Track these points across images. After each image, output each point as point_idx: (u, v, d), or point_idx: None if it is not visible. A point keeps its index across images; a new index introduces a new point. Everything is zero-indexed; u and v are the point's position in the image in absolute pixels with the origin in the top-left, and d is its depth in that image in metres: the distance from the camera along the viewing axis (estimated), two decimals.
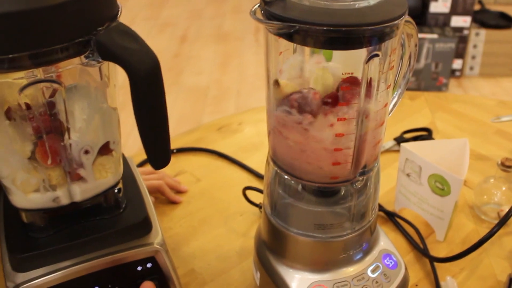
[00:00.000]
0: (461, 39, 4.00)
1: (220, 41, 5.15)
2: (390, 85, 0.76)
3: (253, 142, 1.48)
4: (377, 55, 0.69)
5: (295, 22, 0.65)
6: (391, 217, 1.18)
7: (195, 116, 3.76)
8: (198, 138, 1.49)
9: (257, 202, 1.21)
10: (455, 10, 3.91)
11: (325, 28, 0.64)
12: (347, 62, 0.76)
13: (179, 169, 1.36)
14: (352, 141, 0.75)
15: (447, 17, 3.93)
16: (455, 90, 4.06)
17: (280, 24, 0.67)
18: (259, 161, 1.39)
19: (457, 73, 4.20)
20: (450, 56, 3.86)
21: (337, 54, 0.76)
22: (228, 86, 4.26)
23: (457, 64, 4.13)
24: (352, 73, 0.71)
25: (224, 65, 4.64)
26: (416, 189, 1.11)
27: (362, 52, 0.70)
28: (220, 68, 4.59)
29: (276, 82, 0.77)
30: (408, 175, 1.12)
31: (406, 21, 0.74)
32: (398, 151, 1.37)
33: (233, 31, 5.37)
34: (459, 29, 3.97)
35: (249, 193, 1.21)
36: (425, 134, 1.46)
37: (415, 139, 1.43)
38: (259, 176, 1.33)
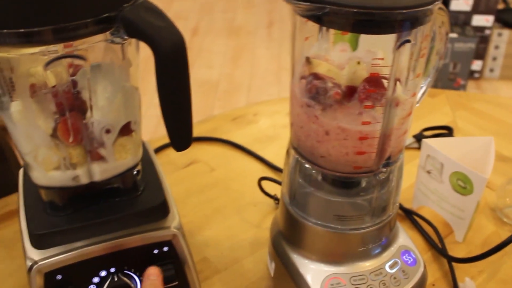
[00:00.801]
0: (482, 39, 3.95)
1: (232, 35, 5.14)
2: (419, 73, 0.74)
3: (268, 133, 1.46)
4: (408, 41, 0.67)
5: (325, 3, 0.63)
6: (409, 215, 1.16)
7: (205, 110, 3.76)
8: (213, 127, 1.48)
9: (272, 193, 1.19)
10: (477, 8, 3.86)
11: (355, 10, 0.62)
12: (373, 49, 0.75)
13: (193, 158, 1.35)
14: (378, 130, 0.73)
15: (468, 15, 3.88)
16: (473, 92, 4.03)
17: (309, 5, 0.65)
18: (273, 152, 1.37)
19: (476, 75, 4.15)
20: (470, 57, 3.81)
21: (363, 41, 0.74)
22: (239, 81, 4.25)
23: (476, 65, 4.09)
24: (382, 59, 0.69)
25: (235, 59, 4.62)
26: (437, 186, 1.09)
27: (390, 40, 0.68)
28: (231, 62, 4.58)
29: (308, 60, 0.75)
30: (428, 172, 1.10)
31: (439, 8, 0.72)
32: (417, 148, 1.36)
33: (245, 25, 5.36)
34: (481, 29, 3.92)
35: (264, 184, 1.20)
36: (445, 132, 1.44)
37: (435, 137, 1.41)
38: (274, 167, 1.32)
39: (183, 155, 1.35)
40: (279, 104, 1.62)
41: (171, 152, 1.36)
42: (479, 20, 3.90)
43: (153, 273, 0.79)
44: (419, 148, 1.35)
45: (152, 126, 3.29)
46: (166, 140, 1.33)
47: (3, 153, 1.36)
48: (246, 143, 1.40)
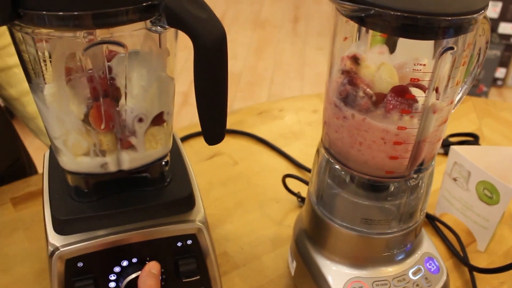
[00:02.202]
0: (508, 47, 3.91)
1: (257, 27, 5.13)
2: (458, 81, 0.73)
3: (293, 130, 1.45)
4: (452, 48, 0.66)
5: (371, 5, 0.62)
6: (431, 221, 1.14)
7: None
8: (238, 121, 1.47)
9: (295, 191, 1.19)
10: (504, 16, 3.83)
11: (405, 14, 0.61)
12: (411, 54, 0.74)
13: (216, 150, 1.34)
14: (414, 136, 0.72)
15: (494, 22, 3.85)
16: (495, 99, 3.99)
17: (354, 5, 0.64)
18: (298, 149, 1.36)
19: (499, 82, 4.11)
20: (494, 64, 3.78)
21: (400, 45, 0.73)
22: (261, 74, 4.24)
23: (500, 72, 4.05)
24: (424, 65, 0.68)
25: (259, 52, 4.62)
26: (462, 194, 1.08)
27: (427, 46, 0.68)
28: (255, 54, 4.57)
29: (356, 60, 0.74)
30: (454, 179, 1.09)
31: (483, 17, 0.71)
32: (442, 154, 1.34)
33: (271, 19, 5.35)
34: (507, 37, 3.89)
35: (287, 181, 1.19)
36: (471, 140, 1.42)
37: (460, 143, 1.39)
38: (298, 165, 1.31)
39: (206, 147, 1.33)
40: (305, 100, 1.61)
41: (194, 142, 1.35)
42: (505, 28, 3.87)
43: (155, 267, 0.78)
44: (444, 154, 1.34)
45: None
46: (190, 130, 1.34)
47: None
48: (271, 138, 1.39)
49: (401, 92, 0.70)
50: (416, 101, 0.70)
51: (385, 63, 0.72)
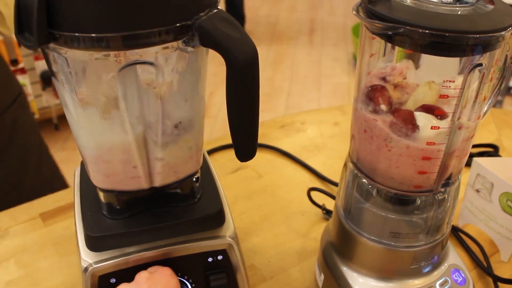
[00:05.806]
0: None
1: (274, 39, 5.14)
2: (485, 97, 0.73)
3: (315, 142, 1.46)
4: (480, 65, 0.67)
5: (401, 24, 0.63)
6: (455, 232, 1.15)
7: None
8: (261, 134, 1.44)
9: (319, 203, 1.19)
10: None
11: (434, 32, 0.62)
12: (436, 70, 0.75)
13: (240, 163, 1.34)
14: (442, 151, 0.73)
15: None
16: (509, 109, 3.97)
17: (384, 24, 0.65)
18: (321, 162, 1.37)
19: None
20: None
21: (426, 61, 0.74)
22: (279, 85, 4.25)
23: None
24: (453, 81, 0.69)
25: (276, 64, 4.63)
26: (485, 206, 1.08)
27: (452, 61, 0.69)
28: (272, 66, 4.58)
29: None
30: (477, 190, 1.09)
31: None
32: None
33: (287, 31, 5.36)
34: None
35: (312, 194, 1.19)
36: (491, 150, 1.43)
37: (480, 154, 1.40)
38: (321, 177, 1.31)
39: (231, 160, 1.35)
40: (326, 113, 1.62)
41: (219, 156, 1.36)
42: None
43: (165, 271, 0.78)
44: (466, 165, 1.34)
45: None
46: (214, 144, 1.35)
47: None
48: (294, 151, 1.40)
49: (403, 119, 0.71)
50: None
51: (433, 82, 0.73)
